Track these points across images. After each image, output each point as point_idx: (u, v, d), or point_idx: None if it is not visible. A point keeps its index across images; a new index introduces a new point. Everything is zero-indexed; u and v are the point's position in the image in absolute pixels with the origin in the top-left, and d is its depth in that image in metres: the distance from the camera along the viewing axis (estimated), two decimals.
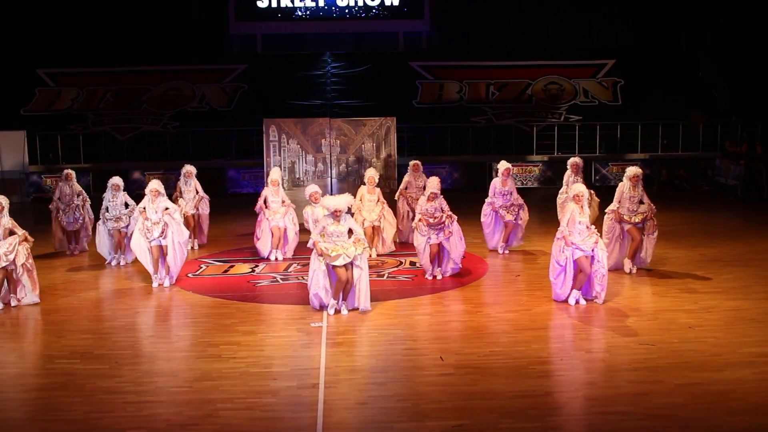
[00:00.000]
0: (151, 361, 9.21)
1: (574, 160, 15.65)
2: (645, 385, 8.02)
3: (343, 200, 10.99)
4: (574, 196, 11.25)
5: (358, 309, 10.91)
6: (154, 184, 12.96)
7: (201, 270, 14.10)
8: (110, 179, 14.85)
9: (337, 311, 10.83)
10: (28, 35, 31.75)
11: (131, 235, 13.61)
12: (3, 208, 11.49)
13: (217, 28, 33.46)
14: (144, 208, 12.86)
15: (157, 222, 12.71)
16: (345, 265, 10.71)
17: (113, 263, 14.68)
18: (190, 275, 13.58)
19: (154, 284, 12.77)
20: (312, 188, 14.04)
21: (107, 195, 14.71)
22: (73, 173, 16.13)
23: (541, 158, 27.93)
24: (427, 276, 13.00)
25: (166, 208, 12.85)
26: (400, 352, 9.38)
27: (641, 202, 13.03)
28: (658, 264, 13.61)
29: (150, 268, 12.91)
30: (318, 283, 10.83)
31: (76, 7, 32.09)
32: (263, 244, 14.78)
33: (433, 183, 13.02)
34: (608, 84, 31.35)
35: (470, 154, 28.04)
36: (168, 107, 30.34)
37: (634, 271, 13.06)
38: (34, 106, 30.19)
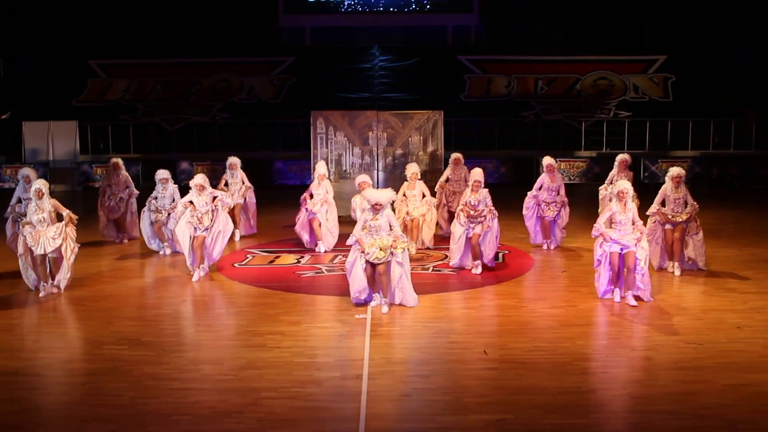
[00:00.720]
0: (197, 348, 9.32)
1: (622, 156, 15.42)
2: (691, 385, 7.92)
3: (384, 194, 10.99)
4: (618, 192, 11.12)
5: (401, 304, 10.90)
6: (199, 179, 12.94)
7: (247, 260, 14.21)
8: (157, 173, 14.94)
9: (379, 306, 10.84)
10: (80, 26, 32.21)
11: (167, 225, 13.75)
12: (43, 193, 11.63)
13: (267, 20, 33.66)
14: (191, 202, 12.93)
15: (207, 212, 12.80)
16: (374, 265, 10.70)
17: (160, 253, 14.82)
18: (236, 265, 13.71)
19: (194, 277, 12.79)
20: (362, 178, 14.12)
21: (158, 187, 14.84)
22: (120, 162, 16.15)
23: (589, 154, 27.68)
24: (451, 264, 13.02)
25: (215, 198, 12.95)
26: (444, 345, 9.37)
27: (686, 203, 12.83)
28: (706, 263, 13.40)
29: (188, 258, 12.87)
30: (358, 280, 10.82)
31: None
32: (300, 232, 14.94)
33: (477, 173, 13.08)
34: (659, 80, 30.97)
35: (518, 149, 27.89)
36: (217, 99, 30.63)
37: (677, 273, 12.80)
38: (86, 97, 30.70)
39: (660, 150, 27.62)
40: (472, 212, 12.78)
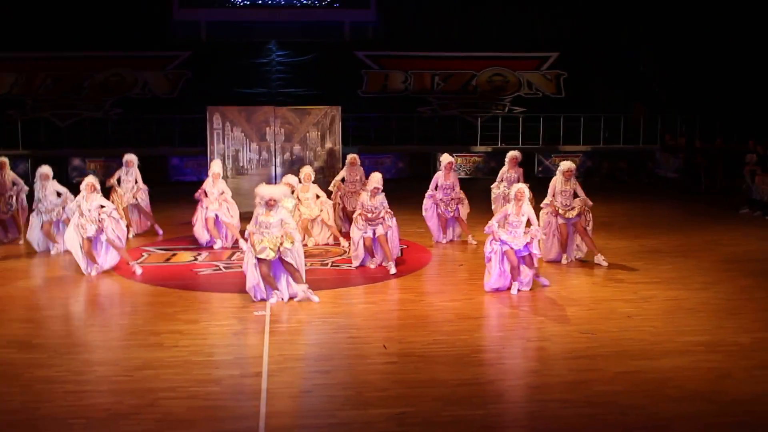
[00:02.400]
0: (91, 350, 9.08)
1: (513, 153, 15.68)
2: (585, 373, 8.15)
3: (278, 189, 10.95)
4: (516, 193, 11.39)
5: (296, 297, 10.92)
6: (90, 179, 12.70)
7: (143, 258, 13.93)
8: (38, 169, 14.49)
9: (281, 299, 10.81)
10: None
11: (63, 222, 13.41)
12: None
13: (161, 14, 32.98)
14: (79, 205, 12.60)
15: (92, 219, 12.47)
16: (269, 260, 10.68)
17: (52, 252, 14.37)
18: (131, 263, 13.41)
19: (93, 273, 12.54)
20: (288, 179, 14.04)
21: (37, 185, 14.35)
22: (6, 161, 15.49)
23: (485, 149, 28.12)
24: (354, 266, 13.03)
25: (102, 206, 12.61)
26: (344, 340, 9.39)
27: (576, 195, 13.23)
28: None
29: (81, 263, 12.60)
30: (253, 277, 10.79)
31: None
32: (199, 231, 14.74)
33: (376, 178, 13.08)
34: (552, 76, 31.69)
35: (415, 144, 28.12)
36: (110, 94, 29.86)
37: (565, 261, 13.31)
38: None
39: (553, 145, 28.28)
40: (370, 215, 12.84)
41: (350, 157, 16.34)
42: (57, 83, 30.09)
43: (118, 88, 30.21)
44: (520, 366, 8.58)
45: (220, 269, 13.09)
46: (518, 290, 11.28)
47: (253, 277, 10.77)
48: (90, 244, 12.49)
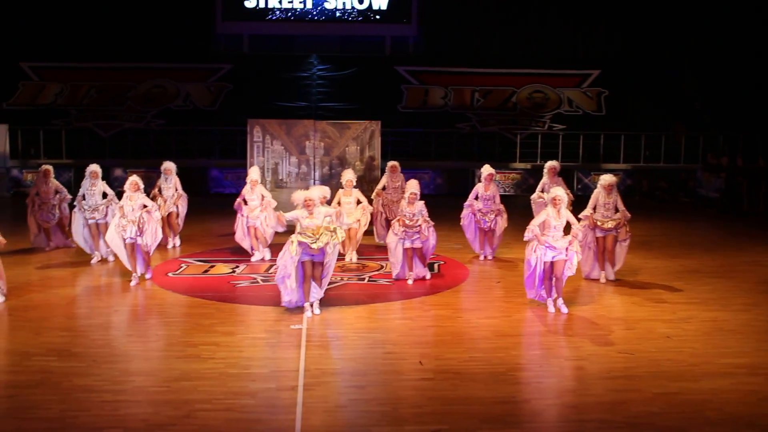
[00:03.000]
0: (129, 359, 9.14)
1: (551, 163, 15.64)
2: (622, 394, 8.06)
3: (315, 190, 11.10)
4: (552, 199, 11.34)
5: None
6: (134, 177, 12.94)
7: (181, 269, 14.04)
8: (88, 167, 14.71)
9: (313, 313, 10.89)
10: (12, 28, 31.51)
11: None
12: None
13: (204, 27, 33.32)
14: (122, 206, 12.78)
15: (134, 220, 12.62)
16: (313, 263, 10.83)
17: (93, 261, 14.57)
18: (170, 274, 13.53)
19: (132, 282, 12.71)
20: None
21: (85, 183, 14.59)
22: (51, 169, 15.81)
23: (524, 166, 28.02)
24: (393, 275, 13.12)
25: (144, 206, 12.77)
26: (380, 356, 9.37)
27: (617, 209, 13.16)
28: (636, 274, 13.71)
29: (127, 265, 12.90)
30: (291, 282, 10.87)
31: (63, 0, 31.89)
32: (241, 238, 14.87)
33: (413, 185, 13.26)
34: (593, 94, 31.49)
35: (454, 160, 28.08)
36: (152, 105, 30.19)
37: (603, 280, 13.19)
38: (18, 100, 29.97)
39: (593, 162, 28.09)
40: (408, 222, 12.86)
41: (391, 163, 16.43)
42: (100, 94, 30.49)
43: (161, 100, 30.53)
44: (557, 385, 8.50)
45: (258, 282, 13.14)
46: (555, 308, 11.20)
47: (292, 282, 10.86)
48: (133, 249, 12.66)
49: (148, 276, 13.01)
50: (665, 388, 8.24)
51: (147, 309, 11.74)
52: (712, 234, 19.32)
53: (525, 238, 11.31)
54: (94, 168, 14.60)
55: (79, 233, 14.67)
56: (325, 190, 11.68)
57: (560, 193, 11.36)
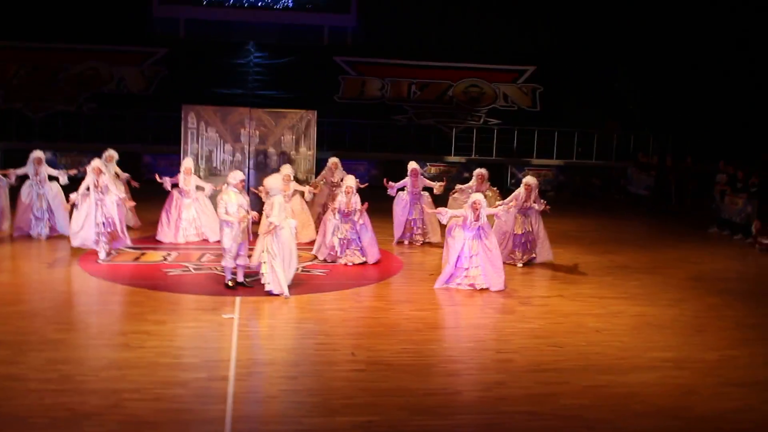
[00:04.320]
0: (56, 348, 8.94)
1: (480, 170, 15.83)
2: (552, 386, 8.18)
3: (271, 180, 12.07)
4: (471, 204, 11.65)
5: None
6: (97, 162, 13.33)
7: (111, 256, 13.79)
8: (31, 153, 14.78)
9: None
10: None
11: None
12: None
13: (140, 9, 32.68)
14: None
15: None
16: None
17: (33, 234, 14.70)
18: (99, 261, 13.28)
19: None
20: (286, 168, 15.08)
21: (29, 170, 14.47)
22: None
23: (459, 159, 28.19)
24: (315, 253, 13.87)
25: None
26: (312, 346, 9.35)
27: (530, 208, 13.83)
28: (567, 269, 13.91)
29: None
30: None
31: None
32: (164, 230, 15.15)
33: (351, 180, 13.85)
34: (528, 90, 31.79)
35: (390, 152, 28.10)
36: (84, 88, 29.55)
37: (520, 264, 13.85)
38: None
39: (526, 158, 28.40)
40: (343, 207, 13.51)
41: (332, 161, 16.84)
42: (30, 75, 29.71)
43: (93, 83, 29.87)
44: (488, 377, 8.58)
45: (190, 270, 12.99)
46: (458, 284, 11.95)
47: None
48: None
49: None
50: (594, 381, 8.38)
51: (75, 296, 11.52)
52: (642, 231, 19.71)
53: (443, 222, 11.94)
54: (38, 154, 14.49)
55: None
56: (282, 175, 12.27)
57: (479, 197, 11.77)
